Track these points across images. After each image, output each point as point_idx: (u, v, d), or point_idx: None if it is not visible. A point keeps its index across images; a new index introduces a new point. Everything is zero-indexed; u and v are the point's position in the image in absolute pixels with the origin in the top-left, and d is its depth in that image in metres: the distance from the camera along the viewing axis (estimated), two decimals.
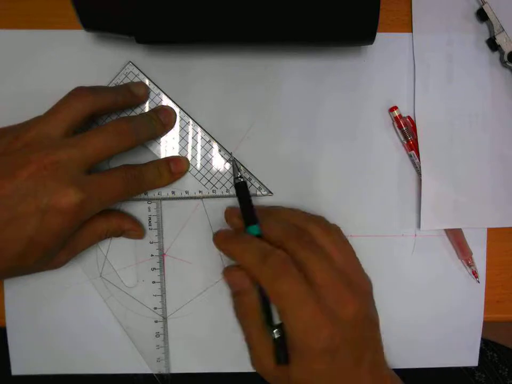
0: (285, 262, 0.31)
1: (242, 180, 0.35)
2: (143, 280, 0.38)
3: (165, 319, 0.38)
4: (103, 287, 0.38)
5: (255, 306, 0.32)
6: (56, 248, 0.31)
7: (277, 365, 0.30)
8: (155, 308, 0.38)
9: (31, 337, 0.38)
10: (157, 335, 0.38)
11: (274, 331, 0.30)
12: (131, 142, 0.33)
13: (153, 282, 0.38)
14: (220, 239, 0.34)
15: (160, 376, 0.39)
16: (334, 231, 0.34)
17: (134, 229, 0.37)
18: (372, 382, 0.33)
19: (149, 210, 0.38)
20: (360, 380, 0.32)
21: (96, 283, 0.38)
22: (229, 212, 0.36)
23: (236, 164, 0.36)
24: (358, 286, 0.33)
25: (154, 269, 0.38)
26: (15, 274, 0.33)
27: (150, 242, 0.38)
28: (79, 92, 0.32)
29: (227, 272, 0.34)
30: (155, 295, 0.38)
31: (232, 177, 0.37)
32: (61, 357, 0.38)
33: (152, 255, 0.38)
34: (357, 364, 0.32)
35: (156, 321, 0.38)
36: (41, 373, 0.38)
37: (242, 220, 0.34)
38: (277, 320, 0.31)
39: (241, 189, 0.35)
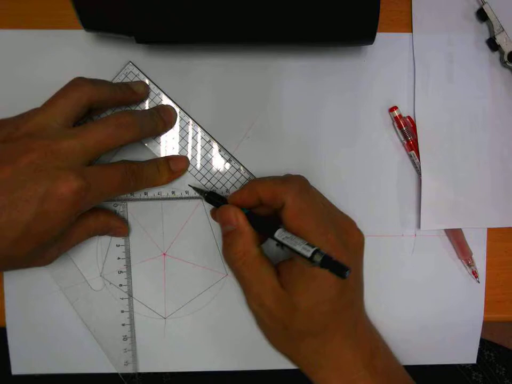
0: (307, 182, 0.32)
1: (206, 194, 0.35)
2: (110, 283, 0.38)
3: (132, 322, 0.38)
4: (70, 290, 0.37)
5: (249, 245, 0.31)
6: (51, 239, 0.31)
7: (343, 278, 0.27)
8: (122, 311, 0.38)
9: (31, 337, 0.38)
10: (125, 338, 0.38)
11: (314, 253, 0.28)
12: (133, 135, 0.33)
13: (120, 285, 0.38)
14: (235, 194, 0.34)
15: (127, 376, 0.39)
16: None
17: (120, 227, 0.37)
18: (367, 323, 0.35)
19: (115, 213, 0.37)
20: (360, 317, 0.34)
21: (63, 287, 0.37)
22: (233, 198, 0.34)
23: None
24: (351, 221, 0.35)
25: (121, 272, 0.38)
26: (5, 266, 0.33)
27: (117, 245, 0.38)
28: (77, 82, 0.32)
29: (221, 210, 0.33)
30: (122, 298, 0.38)
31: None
32: (60, 356, 0.38)
33: (118, 258, 0.38)
34: (359, 295, 0.34)
35: (123, 324, 0.38)
36: (41, 373, 0.38)
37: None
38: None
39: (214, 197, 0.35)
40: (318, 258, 0.28)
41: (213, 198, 0.35)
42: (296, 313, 0.31)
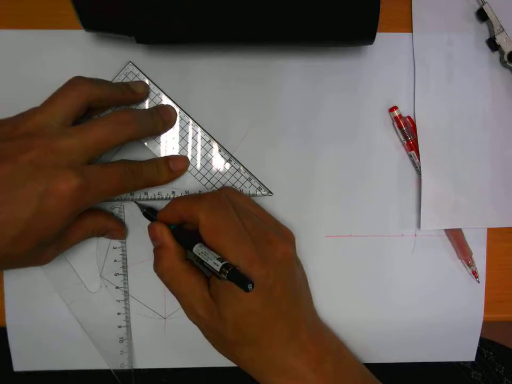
0: (221, 198, 0.32)
1: (144, 210, 0.36)
2: (106, 286, 0.38)
3: (128, 324, 0.38)
4: (66, 292, 0.37)
5: (173, 261, 0.33)
6: (50, 238, 0.31)
7: (247, 292, 0.28)
8: (118, 314, 0.38)
9: (31, 337, 0.38)
10: (121, 340, 0.38)
11: (222, 267, 0.29)
12: (132, 132, 0.33)
13: (117, 287, 0.38)
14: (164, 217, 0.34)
15: (121, 373, 0.39)
16: (244, 195, 0.36)
17: (118, 229, 0.37)
18: (314, 328, 0.35)
19: (112, 215, 0.37)
20: (303, 324, 0.33)
21: (60, 288, 0.37)
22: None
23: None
24: (284, 232, 0.35)
25: (117, 274, 0.38)
26: (3, 265, 0.33)
27: (114, 248, 0.38)
28: (75, 81, 0.32)
29: (149, 228, 0.34)
30: (118, 301, 0.38)
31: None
32: (61, 354, 0.39)
33: (115, 260, 0.38)
34: (294, 304, 0.33)
35: (119, 327, 0.38)
36: (42, 369, 0.39)
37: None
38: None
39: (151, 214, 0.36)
40: (225, 271, 0.29)
41: (151, 214, 0.36)
42: (225, 324, 0.31)
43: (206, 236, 0.31)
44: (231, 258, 0.30)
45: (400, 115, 0.37)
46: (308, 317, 0.35)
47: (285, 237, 0.35)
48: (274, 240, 0.33)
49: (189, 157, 0.38)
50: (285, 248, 0.33)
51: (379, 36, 0.34)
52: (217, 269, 0.29)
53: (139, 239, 0.38)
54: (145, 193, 0.37)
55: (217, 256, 0.30)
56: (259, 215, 0.35)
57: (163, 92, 0.37)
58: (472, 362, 0.51)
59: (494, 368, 0.52)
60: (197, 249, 0.31)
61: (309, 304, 0.37)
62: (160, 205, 0.38)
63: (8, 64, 0.37)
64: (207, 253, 0.30)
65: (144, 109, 0.37)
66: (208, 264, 0.30)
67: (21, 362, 0.39)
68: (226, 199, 0.33)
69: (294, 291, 0.34)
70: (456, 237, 0.38)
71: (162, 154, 0.37)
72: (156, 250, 0.34)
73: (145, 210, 0.36)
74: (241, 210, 0.33)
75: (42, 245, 0.31)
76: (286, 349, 0.33)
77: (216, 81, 0.38)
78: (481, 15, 0.37)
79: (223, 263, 0.29)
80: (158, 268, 0.33)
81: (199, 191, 0.38)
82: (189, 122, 0.37)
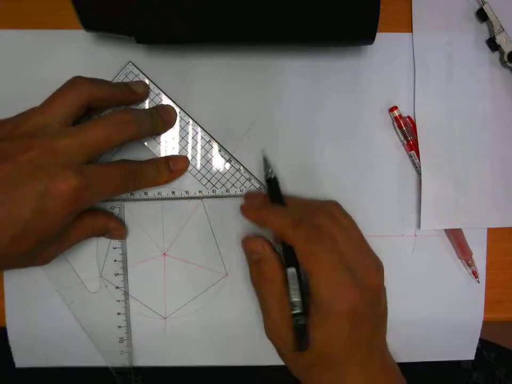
0: (319, 227, 0.32)
1: (272, 176, 0.36)
2: (106, 286, 0.38)
3: (128, 324, 0.38)
4: (66, 292, 0.37)
5: (275, 274, 0.32)
6: (50, 237, 0.31)
7: (298, 351, 0.30)
8: (118, 314, 0.38)
9: (31, 337, 0.38)
10: (121, 340, 0.38)
11: (296, 316, 0.30)
12: (132, 132, 0.33)
13: (117, 287, 0.38)
14: (251, 208, 0.35)
15: (121, 372, 0.39)
16: (347, 214, 0.35)
17: (118, 229, 0.37)
18: (385, 356, 0.34)
19: (112, 215, 0.37)
20: (373, 355, 0.33)
21: (60, 288, 0.37)
22: (250, 194, 0.37)
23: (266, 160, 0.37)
24: (376, 261, 0.34)
25: (117, 274, 0.38)
26: (3, 265, 0.33)
27: (114, 248, 0.38)
28: (76, 81, 0.32)
29: (247, 241, 0.34)
30: (118, 301, 0.38)
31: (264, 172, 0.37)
32: (61, 355, 0.39)
33: (115, 260, 0.38)
34: (376, 333, 0.33)
35: (119, 327, 0.38)
36: (43, 366, 0.39)
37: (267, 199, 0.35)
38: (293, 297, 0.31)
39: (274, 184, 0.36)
40: (299, 321, 0.30)
41: (273, 187, 0.35)
42: (311, 346, 0.31)
43: (302, 262, 0.31)
44: (322, 284, 0.30)
45: (400, 115, 0.37)
46: (384, 346, 0.35)
47: (378, 266, 0.35)
48: (370, 270, 0.33)
49: (189, 157, 0.38)
50: (379, 278, 0.33)
51: (379, 36, 0.34)
52: (295, 309, 0.31)
53: (139, 239, 0.38)
54: (145, 193, 0.37)
55: (301, 294, 0.31)
56: (356, 237, 0.34)
57: (163, 91, 0.37)
58: (473, 363, 0.51)
59: (495, 370, 0.52)
60: (290, 274, 0.32)
61: (385, 334, 0.36)
62: (160, 205, 0.38)
63: (8, 64, 0.37)
64: (295, 284, 0.31)
65: (144, 109, 0.37)
66: (289, 291, 0.31)
67: (21, 362, 0.39)
68: (325, 228, 0.32)
69: (378, 322, 0.33)
70: (456, 237, 0.38)
71: (162, 154, 0.37)
72: (257, 263, 0.33)
73: (272, 177, 0.35)
74: (342, 232, 0.32)
75: (42, 245, 0.31)
76: (359, 375, 0.32)
77: (216, 81, 0.38)
78: (481, 15, 0.37)
79: (301, 311, 0.30)
80: (259, 277, 0.33)
81: (199, 191, 0.38)
82: (189, 122, 0.37)
